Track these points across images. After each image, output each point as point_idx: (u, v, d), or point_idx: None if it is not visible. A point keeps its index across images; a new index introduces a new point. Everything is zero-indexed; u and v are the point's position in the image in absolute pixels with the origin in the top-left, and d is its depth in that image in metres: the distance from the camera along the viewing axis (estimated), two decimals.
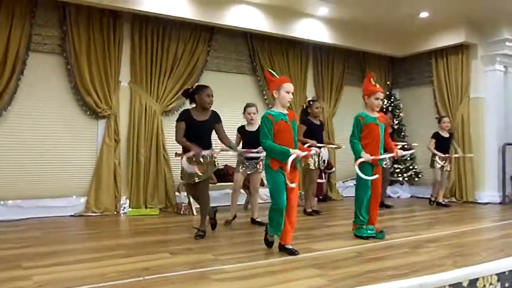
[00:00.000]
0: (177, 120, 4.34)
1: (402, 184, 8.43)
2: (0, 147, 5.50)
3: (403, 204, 7.35)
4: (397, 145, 5.80)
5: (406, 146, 7.30)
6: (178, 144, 4.36)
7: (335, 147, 6.64)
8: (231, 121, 5.64)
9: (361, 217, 4.31)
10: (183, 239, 4.32)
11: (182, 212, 6.04)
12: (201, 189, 4.36)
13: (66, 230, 4.96)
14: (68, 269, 3.20)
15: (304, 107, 6.24)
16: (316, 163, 5.93)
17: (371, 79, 4.36)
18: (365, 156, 4.17)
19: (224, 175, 6.51)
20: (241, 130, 5.29)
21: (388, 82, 8.96)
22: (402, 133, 8.59)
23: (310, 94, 7.96)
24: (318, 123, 6.02)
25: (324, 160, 7.49)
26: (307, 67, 7.92)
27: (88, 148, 6.06)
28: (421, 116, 8.36)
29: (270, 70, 3.84)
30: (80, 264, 3.37)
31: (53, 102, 5.84)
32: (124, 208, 6.08)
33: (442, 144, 6.94)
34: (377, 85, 4.34)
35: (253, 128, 5.14)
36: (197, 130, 4.25)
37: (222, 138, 4.41)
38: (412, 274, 2.98)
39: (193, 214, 5.93)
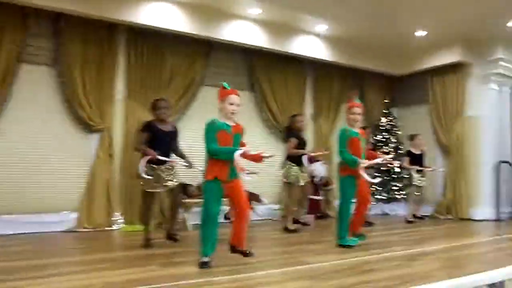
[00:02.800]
0: (141, 130, 4.58)
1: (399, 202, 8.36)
2: None
3: (399, 221, 7.27)
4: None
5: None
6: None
7: (324, 153, 6.54)
8: None
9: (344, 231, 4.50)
10: (174, 253, 4.25)
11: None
12: (174, 197, 4.63)
13: (57, 245, 4.89)
14: (56, 281, 3.13)
15: (287, 124, 6.20)
16: (294, 178, 5.71)
17: (353, 96, 4.71)
18: (364, 160, 4.34)
19: None
20: None
21: (386, 101, 8.99)
22: (400, 151, 8.56)
23: (308, 111, 7.97)
24: (304, 137, 5.98)
25: (320, 177, 7.50)
26: (306, 84, 7.95)
27: (81, 162, 5.97)
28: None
29: (223, 83, 3.80)
30: (68, 275, 3.31)
31: (44, 115, 5.76)
32: (118, 224, 6.00)
33: (416, 161, 7.03)
34: (356, 101, 4.60)
35: None
36: (163, 139, 4.53)
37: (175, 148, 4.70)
38: (406, 285, 2.92)
39: (187, 229, 5.86)
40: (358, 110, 4.51)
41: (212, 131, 3.56)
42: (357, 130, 4.53)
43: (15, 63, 5.49)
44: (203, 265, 3.49)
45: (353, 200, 4.48)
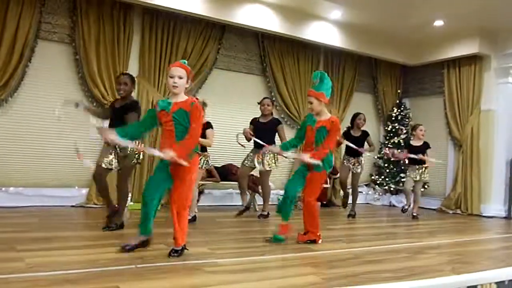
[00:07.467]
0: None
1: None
2: (4, 133, 5.50)
3: (407, 214, 7.22)
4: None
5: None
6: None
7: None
8: (239, 120, 5.57)
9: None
10: None
11: None
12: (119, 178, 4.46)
13: (65, 219, 4.94)
14: (61, 254, 3.17)
15: None
16: (260, 164, 5.41)
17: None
18: (270, 147, 4.53)
19: (227, 174, 6.45)
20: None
21: (398, 91, 8.88)
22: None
23: None
24: (265, 121, 5.61)
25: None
26: (317, 70, 7.85)
27: (93, 139, 6.02)
28: (430, 126, 8.17)
29: (183, 61, 3.34)
30: (74, 250, 3.36)
31: (59, 91, 5.78)
32: None
33: (414, 154, 6.41)
34: (310, 88, 4.26)
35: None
36: (112, 116, 4.43)
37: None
38: (410, 278, 2.91)
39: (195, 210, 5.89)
40: (310, 98, 4.14)
41: (152, 109, 3.34)
42: (318, 118, 4.12)
43: (33, 39, 5.55)
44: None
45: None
